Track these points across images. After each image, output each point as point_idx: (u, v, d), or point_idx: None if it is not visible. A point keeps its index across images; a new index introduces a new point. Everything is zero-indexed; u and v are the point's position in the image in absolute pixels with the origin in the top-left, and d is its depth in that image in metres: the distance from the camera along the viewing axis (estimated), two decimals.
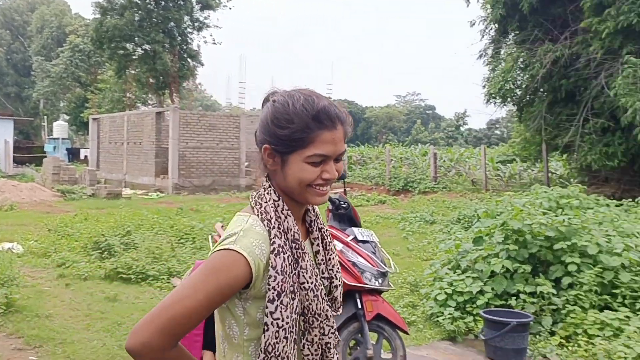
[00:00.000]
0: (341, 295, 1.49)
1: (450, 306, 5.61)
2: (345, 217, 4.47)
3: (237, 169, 23.51)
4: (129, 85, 34.97)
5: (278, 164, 1.40)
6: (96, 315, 5.91)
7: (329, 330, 1.39)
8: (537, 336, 5.20)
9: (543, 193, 8.35)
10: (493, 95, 15.54)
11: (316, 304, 1.35)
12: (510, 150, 26.60)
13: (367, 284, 4.00)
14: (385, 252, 4.46)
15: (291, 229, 1.36)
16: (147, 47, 32.04)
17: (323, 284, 1.43)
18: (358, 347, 4.01)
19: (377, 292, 4.12)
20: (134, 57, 32.76)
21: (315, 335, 1.37)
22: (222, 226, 5.50)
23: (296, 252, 1.35)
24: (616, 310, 5.12)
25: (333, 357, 1.41)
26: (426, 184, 20.13)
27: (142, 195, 20.26)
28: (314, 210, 1.51)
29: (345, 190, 4.87)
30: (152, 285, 7.11)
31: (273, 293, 1.27)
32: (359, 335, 3.98)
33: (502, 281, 5.56)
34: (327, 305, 1.39)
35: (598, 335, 4.89)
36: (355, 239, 4.24)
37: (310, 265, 1.37)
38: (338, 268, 1.49)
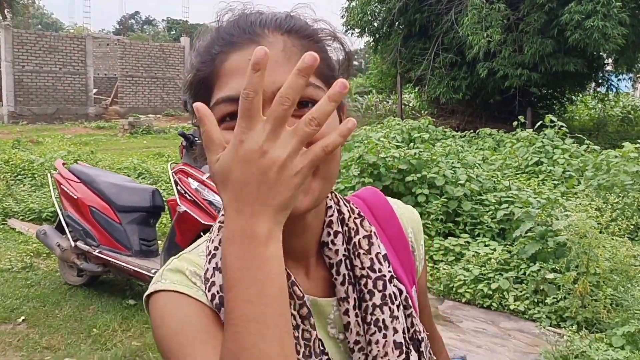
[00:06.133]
0: None
1: None
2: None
3: (84, 96, 21.69)
4: None
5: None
6: None
7: None
8: None
9: (396, 125, 8.70)
10: (352, 25, 15.65)
11: None
12: (367, 82, 27.28)
13: None
14: None
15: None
16: None
17: None
18: None
19: None
20: None
21: None
22: (64, 163, 5.00)
23: None
24: (458, 237, 5.54)
25: None
26: None
27: None
28: (342, 221, 0.81)
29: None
30: None
31: None
32: None
33: None
34: None
35: (442, 261, 5.27)
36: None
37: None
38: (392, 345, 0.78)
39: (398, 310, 0.80)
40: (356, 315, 0.78)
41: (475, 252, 5.11)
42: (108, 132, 17.75)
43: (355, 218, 0.82)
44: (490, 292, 4.67)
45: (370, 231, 0.82)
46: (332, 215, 0.80)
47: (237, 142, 0.58)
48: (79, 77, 21.50)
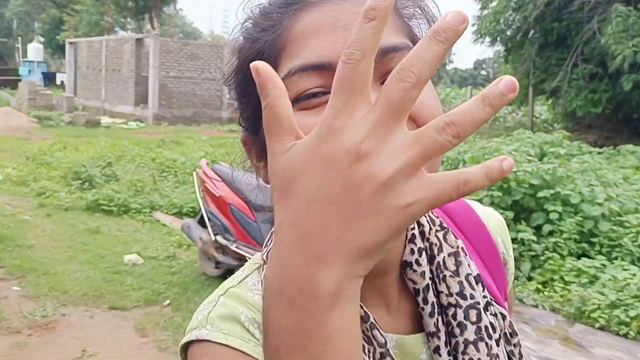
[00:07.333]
0: None
1: None
2: None
3: (219, 101, 23.13)
4: (107, 8, 33.60)
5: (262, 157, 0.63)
6: (79, 247, 5.89)
7: None
8: (516, 281, 5.33)
9: (528, 139, 8.39)
10: (483, 34, 15.29)
11: None
12: None
13: None
14: None
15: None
16: None
17: None
18: None
19: None
20: None
21: None
22: (207, 163, 5.43)
23: None
24: (593, 259, 5.25)
25: None
26: None
27: (122, 125, 19.91)
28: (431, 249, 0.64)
29: None
30: (135, 218, 7.08)
31: None
32: None
33: None
34: None
35: (574, 282, 5.02)
36: None
37: None
38: None
39: (498, 346, 0.62)
40: (448, 354, 0.60)
41: (612, 276, 4.82)
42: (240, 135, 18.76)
43: (437, 231, 0.64)
44: (628, 320, 4.38)
45: (457, 247, 0.64)
46: (413, 228, 0.63)
47: (324, 129, 0.37)
48: (215, 83, 22.94)
